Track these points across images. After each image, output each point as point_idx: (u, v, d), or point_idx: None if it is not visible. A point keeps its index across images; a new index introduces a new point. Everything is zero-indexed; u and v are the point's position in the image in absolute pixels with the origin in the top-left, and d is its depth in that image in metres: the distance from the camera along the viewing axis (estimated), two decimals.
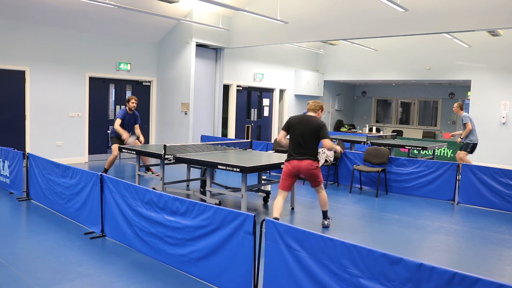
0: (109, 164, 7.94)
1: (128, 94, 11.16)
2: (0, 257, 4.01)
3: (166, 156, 5.93)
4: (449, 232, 5.48)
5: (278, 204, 5.09)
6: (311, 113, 5.27)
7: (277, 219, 5.08)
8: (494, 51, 11.75)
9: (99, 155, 10.51)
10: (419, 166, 7.44)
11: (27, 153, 6.34)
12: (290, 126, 5.17)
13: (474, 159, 8.93)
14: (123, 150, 7.11)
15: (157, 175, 7.60)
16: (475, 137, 8.66)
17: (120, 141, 7.86)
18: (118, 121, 7.78)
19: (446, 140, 13.33)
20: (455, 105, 8.95)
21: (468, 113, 10.59)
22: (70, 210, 5.30)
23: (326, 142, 5.14)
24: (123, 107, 10.94)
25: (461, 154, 8.77)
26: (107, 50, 10.38)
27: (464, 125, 8.65)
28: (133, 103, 7.89)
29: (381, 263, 2.55)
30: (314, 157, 5.15)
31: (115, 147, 7.79)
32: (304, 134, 5.08)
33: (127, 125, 7.93)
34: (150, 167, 8.10)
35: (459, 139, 9.05)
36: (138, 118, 8.15)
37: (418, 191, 7.43)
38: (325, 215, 5.42)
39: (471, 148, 8.68)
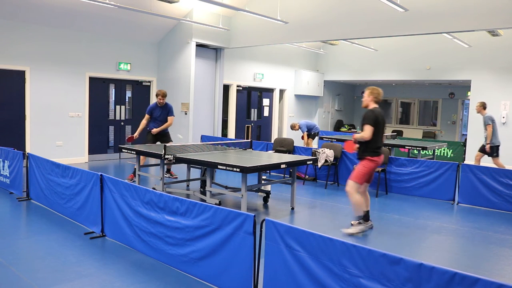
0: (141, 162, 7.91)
1: (129, 94, 11.18)
2: (0, 257, 4.01)
3: (166, 156, 5.93)
4: (449, 232, 5.48)
5: (361, 200, 5.16)
6: (376, 105, 5.18)
7: (367, 214, 5.19)
8: (494, 51, 11.75)
9: (99, 155, 10.51)
10: (419, 166, 7.44)
11: (27, 153, 6.34)
12: (377, 122, 5.03)
13: (473, 158, 8.90)
14: (123, 150, 7.11)
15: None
16: (497, 139, 8.43)
17: (154, 139, 7.97)
18: (145, 117, 7.99)
19: (446, 140, 13.34)
20: (478, 104, 8.62)
21: (468, 113, 10.47)
22: (70, 210, 5.30)
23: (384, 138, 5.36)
24: (123, 107, 11.00)
25: (494, 161, 8.44)
26: (107, 50, 10.38)
27: (486, 126, 8.40)
28: (160, 99, 7.90)
29: (381, 263, 2.55)
30: None
31: (148, 145, 7.89)
32: (384, 128, 5.20)
33: (159, 117, 7.96)
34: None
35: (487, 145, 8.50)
36: (170, 110, 8.06)
37: (418, 191, 7.43)
38: (369, 215, 5.40)
39: (496, 150, 8.40)
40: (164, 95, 7.90)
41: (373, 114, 4.99)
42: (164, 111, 7.97)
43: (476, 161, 8.74)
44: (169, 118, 8.02)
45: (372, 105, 5.12)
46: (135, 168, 7.93)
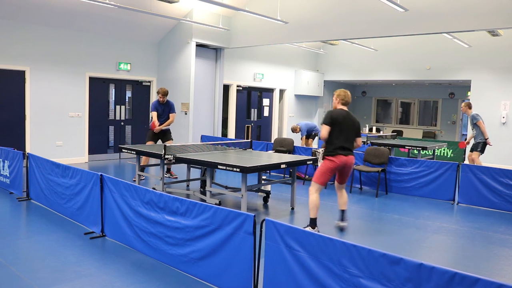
0: (145, 161, 7.84)
1: (129, 94, 11.18)
2: (0, 257, 4.01)
3: (166, 156, 5.93)
4: (449, 232, 5.48)
5: (317, 203, 5.08)
6: (346, 108, 5.21)
7: (315, 220, 5.08)
8: (494, 51, 11.75)
9: (99, 155, 10.51)
10: (419, 166, 7.45)
11: (27, 153, 6.34)
12: (335, 122, 5.06)
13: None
14: (123, 150, 7.11)
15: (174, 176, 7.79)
16: (483, 137, 8.41)
17: (154, 137, 8.00)
18: (154, 115, 7.92)
19: (446, 140, 13.34)
20: (463, 104, 8.69)
21: None
22: (70, 210, 5.30)
23: (360, 140, 5.29)
24: (123, 107, 11.00)
25: (473, 155, 8.50)
26: (107, 50, 10.38)
27: (475, 124, 8.42)
28: (160, 97, 7.92)
29: (381, 263, 2.55)
30: (353, 154, 5.24)
31: (148, 143, 7.95)
32: (350, 130, 5.13)
33: (161, 115, 8.01)
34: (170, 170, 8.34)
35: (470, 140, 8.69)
36: (172, 107, 8.13)
37: (418, 191, 7.43)
38: (344, 215, 5.37)
39: (481, 147, 8.43)
40: (164, 94, 7.94)
41: (330, 114, 5.10)
42: (166, 108, 8.02)
43: (471, 160, 8.74)
44: (170, 115, 8.06)
45: (339, 107, 5.21)
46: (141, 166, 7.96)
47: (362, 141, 9.68)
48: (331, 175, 5.18)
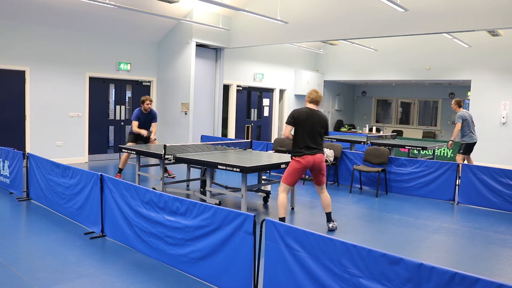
0: (123, 163, 7.92)
1: (129, 94, 11.18)
2: (0, 257, 4.01)
3: (166, 156, 5.93)
4: (449, 232, 5.48)
5: (284, 202, 5.07)
6: (314, 106, 5.22)
7: (284, 219, 5.06)
8: (494, 51, 11.75)
9: (99, 155, 10.52)
10: (419, 166, 7.45)
11: (27, 153, 6.34)
12: (297, 121, 5.04)
13: (474, 158, 8.87)
14: (123, 150, 7.11)
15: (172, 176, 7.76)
16: (469, 137, 8.31)
17: (136, 139, 7.96)
18: (135, 124, 7.87)
19: (446, 140, 13.34)
20: (453, 102, 8.55)
21: (468, 110, 10.32)
22: (70, 210, 5.30)
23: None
24: (123, 107, 11.00)
25: (457, 157, 8.47)
26: (107, 50, 10.38)
27: (456, 124, 8.32)
28: (147, 104, 7.90)
29: (381, 263, 2.55)
30: (323, 151, 5.18)
31: (130, 145, 7.92)
32: (316, 128, 5.07)
33: (144, 124, 8.00)
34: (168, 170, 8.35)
35: (450, 142, 8.62)
36: (155, 117, 8.13)
37: (418, 191, 7.43)
38: (329, 217, 5.27)
39: (463, 148, 8.33)
40: (151, 100, 8.00)
41: (291, 113, 5.14)
42: (148, 118, 8.01)
43: (468, 162, 8.68)
44: (153, 124, 8.08)
45: (307, 105, 5.26)
46: (120, 168, 7.95)
47: (362, 141, 9.78)
48: (298, 175, 5.13)
